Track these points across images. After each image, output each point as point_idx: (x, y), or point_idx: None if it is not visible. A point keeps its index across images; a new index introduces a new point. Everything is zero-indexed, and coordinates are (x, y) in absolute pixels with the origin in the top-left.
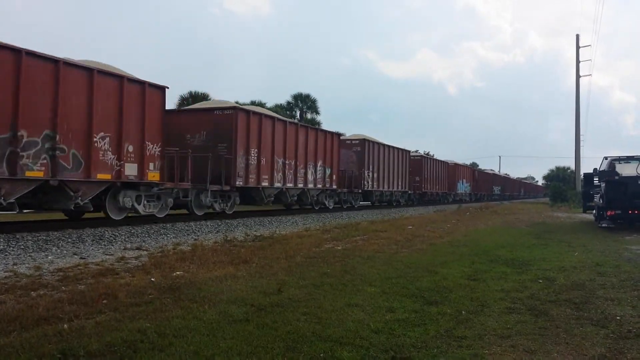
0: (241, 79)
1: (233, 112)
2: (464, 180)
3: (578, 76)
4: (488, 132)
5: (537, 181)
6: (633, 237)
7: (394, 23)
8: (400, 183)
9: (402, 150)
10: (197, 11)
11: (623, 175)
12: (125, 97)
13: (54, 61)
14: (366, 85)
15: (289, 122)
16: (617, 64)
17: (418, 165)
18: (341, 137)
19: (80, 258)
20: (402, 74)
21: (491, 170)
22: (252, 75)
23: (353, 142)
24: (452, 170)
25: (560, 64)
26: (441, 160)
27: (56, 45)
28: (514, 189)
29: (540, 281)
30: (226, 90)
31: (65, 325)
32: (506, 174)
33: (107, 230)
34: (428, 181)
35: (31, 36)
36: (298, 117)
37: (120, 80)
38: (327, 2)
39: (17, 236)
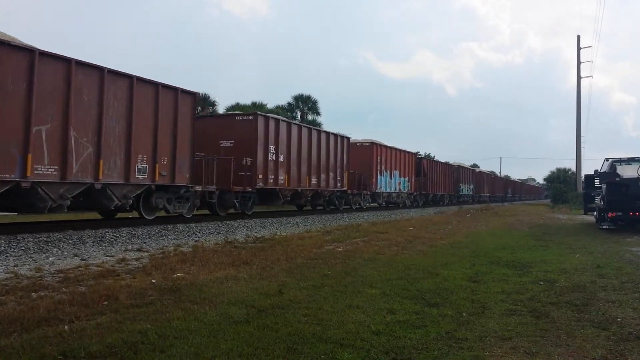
0: (241, 80)
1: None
2: (397, 173)
3: (579, 78)
4: (489, 133)
5: (537, 182)
6: (634, 238)
7: (392, 24)
8: (160, 165)
9: (170, 88)
10: (195, 12)
11: (624, 176)
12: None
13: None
14: (365, 86)
15: None
16: (617, 65)
17: (247, 134)
18: None
19: (81, 259)
20: (401, 74)
21: (492, 172)
22: (252, 76)
23: None
24: (364, 155)
25: (560, 65)
26: (331, 133)
27: (55, 44)
28: (495, 189)
29: (541, 283)
30: (227, 91)
31: (66, 327)
32: (507, 176)
33: (107, 232)
34: (283, 169)
35: (30, 35)
36: (299, 118)
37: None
38: (324, 3)
39: (18, 237)
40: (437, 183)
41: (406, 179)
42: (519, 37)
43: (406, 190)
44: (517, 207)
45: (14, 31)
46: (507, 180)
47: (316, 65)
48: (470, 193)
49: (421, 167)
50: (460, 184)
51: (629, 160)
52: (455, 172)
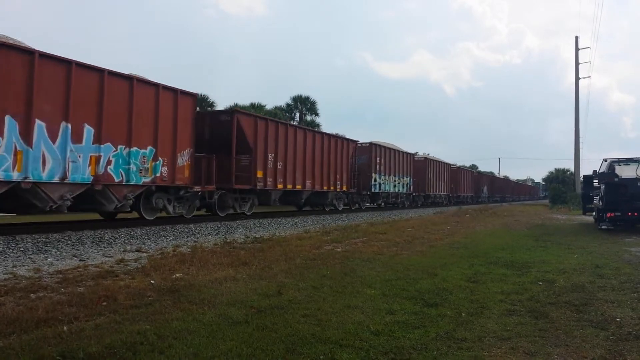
0: (239, 81)
1: None
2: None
3: (577, 78)
4: (487, 133)
5: (532, 180)
6: (633, 239)
7: (388, 24)
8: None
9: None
10: (193, 12)
11: (622, 177)
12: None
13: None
14: (363, 86)
15: None
16: (616, 65)
17: None
18: None
19: (80, 260)
20: (398, 74)
21: (491, 173)
22: (250, 76)
23: None
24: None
25: (558, 65)
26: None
27: (55, 44)
28: (459, 187)
29: (540, 283)
30: (225, 92)
31: (64, 328)
32: (505, 176)
33: (106, 232)
34: None
35: (29, 34)
36: (297, 119)
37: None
38: (321, 3)
39: (17, 238)
40: (294, 170)
41: (157, 158)
42: (517, 37)
43: (134, 181)
44: (515, 207)
45: (11, 30)
46: (479, 175)
47: (314, 66)
48: (405, 191)
49: (235, 131)
50: (375, 175)
51: (628, 161)
52: (365, 154)
